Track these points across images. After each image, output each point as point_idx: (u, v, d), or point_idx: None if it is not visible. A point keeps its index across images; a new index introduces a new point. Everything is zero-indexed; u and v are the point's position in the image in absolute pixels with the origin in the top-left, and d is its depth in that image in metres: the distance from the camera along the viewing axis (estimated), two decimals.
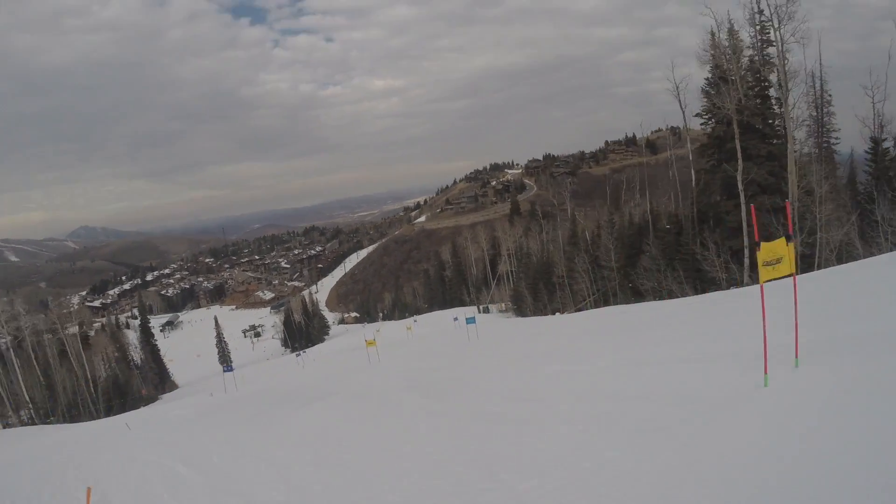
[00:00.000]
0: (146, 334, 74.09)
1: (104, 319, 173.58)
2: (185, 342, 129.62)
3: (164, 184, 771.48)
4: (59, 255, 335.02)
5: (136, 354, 70.79)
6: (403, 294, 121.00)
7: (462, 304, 70.75)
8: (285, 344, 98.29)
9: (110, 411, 42.30)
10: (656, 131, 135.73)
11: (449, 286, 77.85)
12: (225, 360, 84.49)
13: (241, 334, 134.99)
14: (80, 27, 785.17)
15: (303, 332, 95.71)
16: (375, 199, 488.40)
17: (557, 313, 40.15)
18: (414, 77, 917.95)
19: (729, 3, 44.18)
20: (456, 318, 39.51)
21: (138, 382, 58.11)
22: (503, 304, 58.90)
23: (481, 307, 61.22)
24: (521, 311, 49.45)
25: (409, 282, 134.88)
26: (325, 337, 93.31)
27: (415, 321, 58.14)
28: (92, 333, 76.46)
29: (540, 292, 45.99)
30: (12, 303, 48.38)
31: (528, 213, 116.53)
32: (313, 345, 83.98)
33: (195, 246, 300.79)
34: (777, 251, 5.88)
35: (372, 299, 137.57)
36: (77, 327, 56.64)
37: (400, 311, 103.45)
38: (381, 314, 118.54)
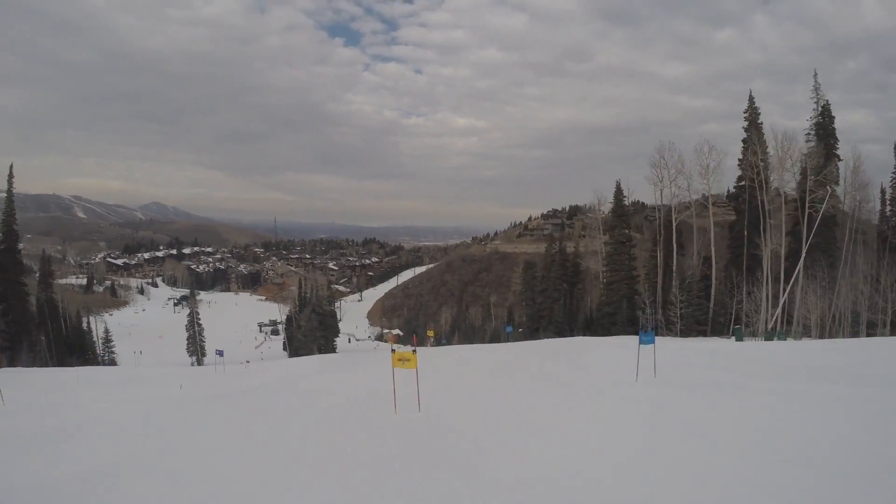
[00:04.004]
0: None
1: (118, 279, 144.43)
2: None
3: (241, 180, 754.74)
4: (125, 222, 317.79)
5: None
6: (468, 315, 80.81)
7: (631, 329, 29.20)
8: (285, 347, 60.62)
9: None
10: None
11: (604, 302, 34.61)
12: (196, 350, 63.44)
13: (256, 327, 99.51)
14: (181, 19, 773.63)
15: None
16: (442, 231, 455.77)
17: None
18: (496, 120, 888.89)
19: None
20: None
21: None
22: None
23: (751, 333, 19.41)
24: None
25: (476, 304, 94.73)
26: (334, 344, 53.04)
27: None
28: None
29: None
30: None
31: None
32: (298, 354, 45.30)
33: (258, 239, 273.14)
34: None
35: (424, 317, 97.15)
36: None
37: (464, 335, 63.48)
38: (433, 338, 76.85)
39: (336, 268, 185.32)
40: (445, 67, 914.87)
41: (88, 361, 49.06)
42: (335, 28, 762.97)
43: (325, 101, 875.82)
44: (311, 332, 49.76)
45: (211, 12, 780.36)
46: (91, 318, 72.53)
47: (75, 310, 60.92)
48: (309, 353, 46.80)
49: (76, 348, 50.85)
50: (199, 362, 63.22)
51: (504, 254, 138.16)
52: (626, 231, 34.44)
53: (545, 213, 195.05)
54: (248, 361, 50.27)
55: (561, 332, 33.50)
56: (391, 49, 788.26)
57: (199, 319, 65.46)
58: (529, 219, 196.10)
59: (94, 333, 60.81)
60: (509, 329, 27.07)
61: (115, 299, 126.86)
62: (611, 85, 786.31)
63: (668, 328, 27.60)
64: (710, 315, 29.29)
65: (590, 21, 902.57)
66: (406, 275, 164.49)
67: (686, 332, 27.08)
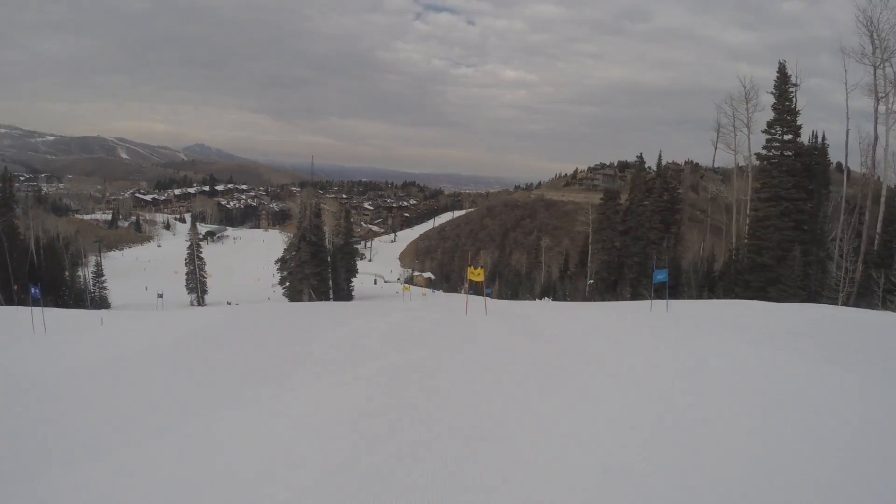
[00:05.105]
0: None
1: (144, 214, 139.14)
2: (218, 259, 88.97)
3: (284, 123, 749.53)
4: (168, 163, 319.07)
5: None
6: (511, 261, 70.37)
7: (803, 294, 17.01)
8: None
9: None
10: None
11: (752, 248, 20.84)
12: (196, 288, 55.57)
13: (275, 265, 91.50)
14: None
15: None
16: (484, 180, 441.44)
17: None
18: (546, 74, 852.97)
19: None
20: None
21: None
22: None
23: None
24: None
25: (519, 250, 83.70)
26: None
27: None
28: None
29: None
30: None
31: None
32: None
33: (297, 180, 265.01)
34: None
35: (459, 260, 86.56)
36: None
37: (507, 282, 53.21)
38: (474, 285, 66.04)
39: (371, 208, 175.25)
40: (499, 20, 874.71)
41: (60, 298, 40.07)
42: None
43: (374, 48, 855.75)
44: (298, 269, 38.34)
45: None
46: (94, 253, 65.35)
47: (62, 241, 52.36)
48: (299, 298, 36.14)
49: (43, 283, 41.80)
50: (200, 301, 54.49)
51: (550, 201, 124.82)
52: (795, 138, 21.02)
53: (593, 165, 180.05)
54: (228, 303, 40.72)
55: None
56: None
57: (201, 253, 56.27)
58: (576, 171, 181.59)
59: (81, 269, 52.79)
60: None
61: (138, 234, 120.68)
62: (668, 47, 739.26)
63: (886, 300, 15.34)
64: None
65: None
66: (444, 218, 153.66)
67: None
